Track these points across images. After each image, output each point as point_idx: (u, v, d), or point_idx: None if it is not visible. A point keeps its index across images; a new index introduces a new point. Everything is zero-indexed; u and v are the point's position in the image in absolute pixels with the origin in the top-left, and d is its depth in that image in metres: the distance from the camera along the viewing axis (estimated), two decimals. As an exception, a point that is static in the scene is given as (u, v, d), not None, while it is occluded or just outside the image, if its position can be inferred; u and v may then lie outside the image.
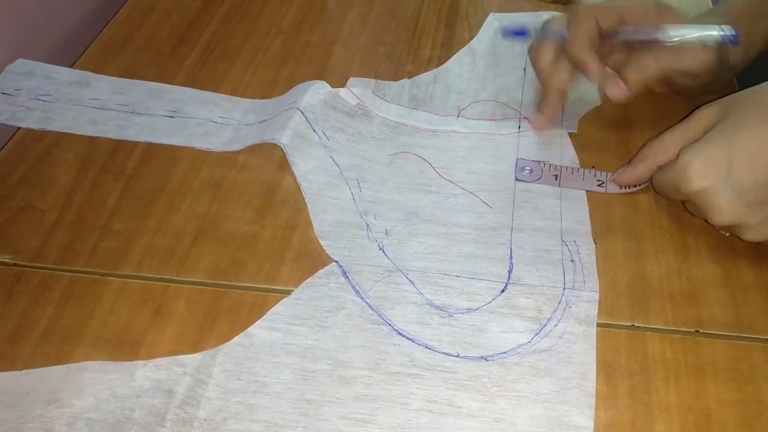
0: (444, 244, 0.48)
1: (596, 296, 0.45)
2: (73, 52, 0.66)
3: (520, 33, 0.57)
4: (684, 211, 0.49)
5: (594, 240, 0.48)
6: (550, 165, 0.53)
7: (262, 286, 0.46)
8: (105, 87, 0.61)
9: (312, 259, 0.47)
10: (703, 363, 0.42)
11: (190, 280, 0.46)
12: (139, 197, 0.52)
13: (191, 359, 0.41)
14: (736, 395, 0.40)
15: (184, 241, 0.49)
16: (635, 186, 0.51)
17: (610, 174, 0.52)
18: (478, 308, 0.44)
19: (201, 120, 0.58)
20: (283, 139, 0.52)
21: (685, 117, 0.48)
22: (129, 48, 0.66)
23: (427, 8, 0.70)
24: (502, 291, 0.45)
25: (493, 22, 0.67)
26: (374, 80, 0.60)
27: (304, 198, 0.51)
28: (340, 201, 0.51)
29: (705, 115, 0.46)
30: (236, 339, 0.43)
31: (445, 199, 0.51)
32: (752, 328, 0.43)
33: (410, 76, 0.62)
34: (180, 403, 0.39)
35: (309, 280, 0.46)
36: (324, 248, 0.48)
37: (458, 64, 0.63)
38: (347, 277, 0.46)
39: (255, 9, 0.70)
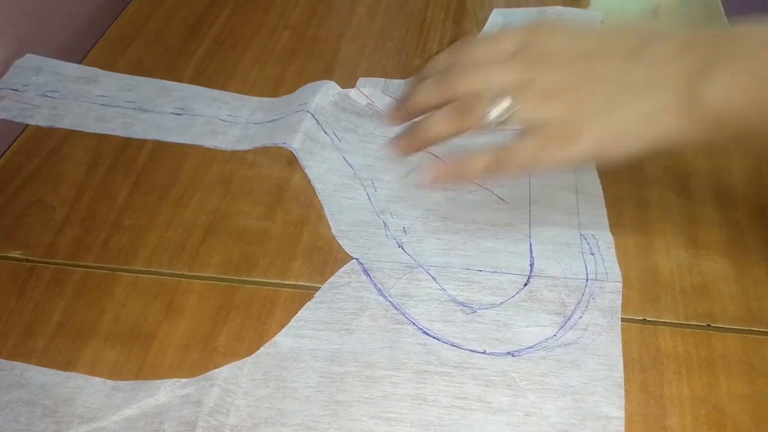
0: (463, 239, 0.48)
1: (620, 286, 0.45)
2: (82, 47, 0.66)
3: None
4: (695, 207, 0.49)
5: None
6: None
7: (273, 281, 0.46)
8: (112, 83, 0.61)
9: (323, 254, 0.48)
10: (714, 357, 0.42)
11: (202, 275, 0.47)
12: (149, 193, 0.52)
13: (218, 372, 0.41)
14: (748, 389, 0.40)
15: (195, 236, 0.49)
16: None
17: None
18: (501, 303, 0.44)
19: (209, 118, 0.58)
20: (295, 144, 0.52)
21: None
22: (138, 43, 0.66)
23: (434, 3, 0.70)
24: (525, 284, 0.45)
25: (497, 17, 0.67)
26: (383, 79, 0.60)
27: (320, 200, 0.51)
28: (356, 201, 0.51)
29: None
30: (262, 349, 0.42)
31: (460, 196, 0.51)
32: (764, 322, 0.43)
33: (418, 71, 0.62)
34: (209, 411, 0.39)
35: (331, 279, 0.46)
36: (343, 247, 0.47)
37: None
38: (369, 275, 0.46)
39: (263, 3, 0.70)
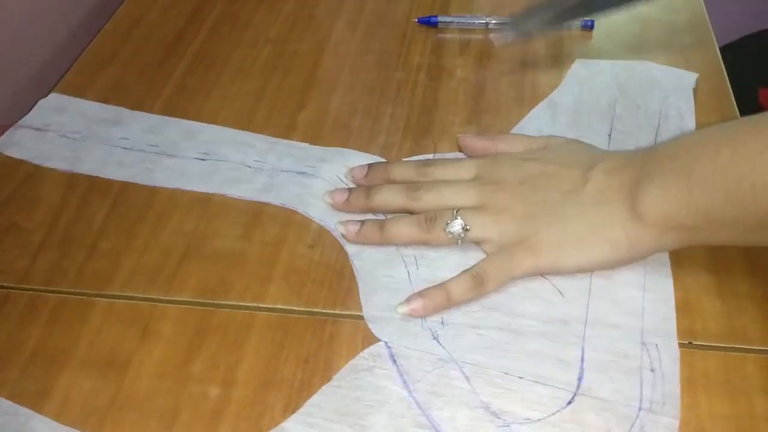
0: (506, 338, 0.43)
1: (677, 423, 0.39)
2: (60, 66, 0.65)
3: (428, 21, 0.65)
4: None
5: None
6: None
7: (250, 304, 0.46)
8: (137, 125, 0.58)
9: (300, 276, 0.47)
10: (696, 376, 0.41)
11: (178, 299, 0.46)
12: (125, 215, 0.52)
13: None
14: (729, 408, 0.40)
15: (172, 259, 0.48)
16: None
17: None
18: (538, 419, 0.39)
19: (234, 164, 0.54)
20: (336, 226, 0.50)
21: None
22: (116, 61, 0.65)
23: (416, 14, 0.69)
24: (569, 402, 0.40)
25: (580, 70, 0.61)
26: (432, 154, 0.55)
27: (355, 278, 0.47)
28: (393, 280, 0.46)
29: None
30: None
31: (512, 283, 0.46)
32: (746, 339, 0.43)
33: (399, 83, 0.61)
34: None
35: (353, 362, 0.42)
36: (372, 331, 0.44)
37: (536, 120, 0.57)
38: (395, 362, 0.42)
39: (243, 18, 0.70)
